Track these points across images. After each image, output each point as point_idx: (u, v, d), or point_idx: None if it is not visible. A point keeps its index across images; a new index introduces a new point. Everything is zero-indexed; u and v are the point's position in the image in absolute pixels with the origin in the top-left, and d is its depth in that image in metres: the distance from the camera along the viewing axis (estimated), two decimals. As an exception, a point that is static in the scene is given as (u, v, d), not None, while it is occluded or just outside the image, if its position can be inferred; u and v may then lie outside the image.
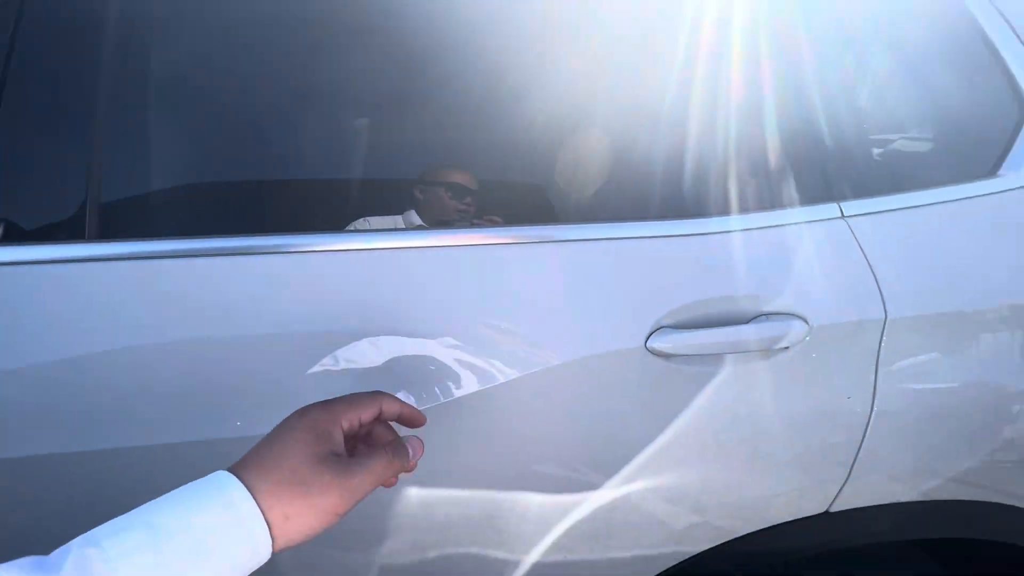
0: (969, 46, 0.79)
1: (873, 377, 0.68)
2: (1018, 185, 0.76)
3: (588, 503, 0.65)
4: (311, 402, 0.41)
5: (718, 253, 0.66)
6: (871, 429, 0.68)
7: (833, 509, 0.70)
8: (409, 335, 0.60)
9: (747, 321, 0.65)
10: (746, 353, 0.64)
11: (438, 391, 0.61)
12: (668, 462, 0.65)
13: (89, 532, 0.32)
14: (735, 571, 0.74)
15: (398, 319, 0.60)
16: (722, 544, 0.70)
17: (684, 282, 0.65)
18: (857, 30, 0.80)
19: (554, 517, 0.65)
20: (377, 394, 0.43)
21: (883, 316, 0.67)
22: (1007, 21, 0.78)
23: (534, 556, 0.67)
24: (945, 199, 0.74)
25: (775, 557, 0.73)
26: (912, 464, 0.70)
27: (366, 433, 0.43)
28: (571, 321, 0.64)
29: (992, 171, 0.78)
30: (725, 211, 0.69)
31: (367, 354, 0.59)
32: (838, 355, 0.67)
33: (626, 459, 0.65)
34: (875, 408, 0.68)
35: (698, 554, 0.70)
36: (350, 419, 0.40)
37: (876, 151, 0.77)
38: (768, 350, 0.64)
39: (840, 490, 0.69)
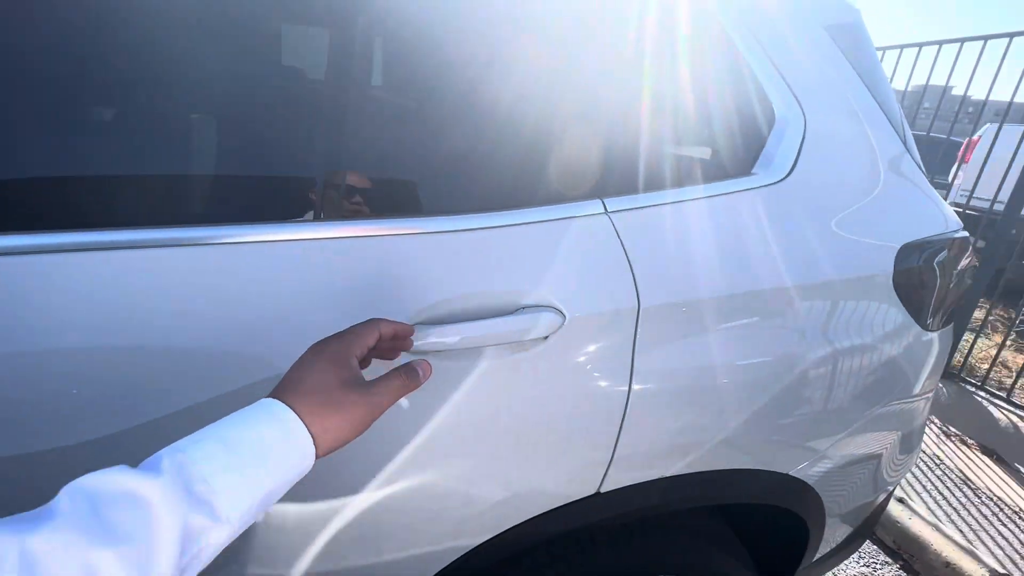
0: (733, 64, 0.87)
1: (630, 362, 0.72)
2: (766, 183, 0.86)
3: (353, 506, 0.64)
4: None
5: (479, 249, 0.68)
6: (630, 412, 0.72)
7: (604, 490, 0.75)
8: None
9: (505, 315, 0.67)
10: (505, 345, 0.66)
11: (177, 397, 0.57)
12: (434, 457, 0.66)
13: (172, 445, 0.39)
14: (522, 557, 0.76)
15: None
16: (501, 534, 0.71)
17: (443, 278, 0.66)
18: (632, 41, 0.86)
19: (316, 525, 0.64)
20: (372, 322, 0.51)
21: (636, 305, 0.72)
22: (760, 43, 0.87)
23: (301, 568, 0.65)
24: (702, 195, 0.81)
25: (556, 539, 0.76)
26: (671, 441, 0.76)
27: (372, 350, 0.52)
28: (325, 320, 0.62)
29: (747, 170, 0.87)
30: (489, 207, 0.70)
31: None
32: (596, 343, 0.71)
33: (389, 457, 0.64)
34: (632, 391, 0.72)
35: (477, 546, 0.71)
36: (360, 347, 0.49)
37: (646, 152, 0.83)
38: (525, 341, 0.67)
39: (607, 471, 0.74)
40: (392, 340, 0.54)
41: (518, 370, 0.67)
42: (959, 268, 1.03)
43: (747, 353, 0.79)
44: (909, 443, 1.14)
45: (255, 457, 0.39)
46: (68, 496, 0.34)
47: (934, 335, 1.05)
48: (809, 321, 0.87)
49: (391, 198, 0.72)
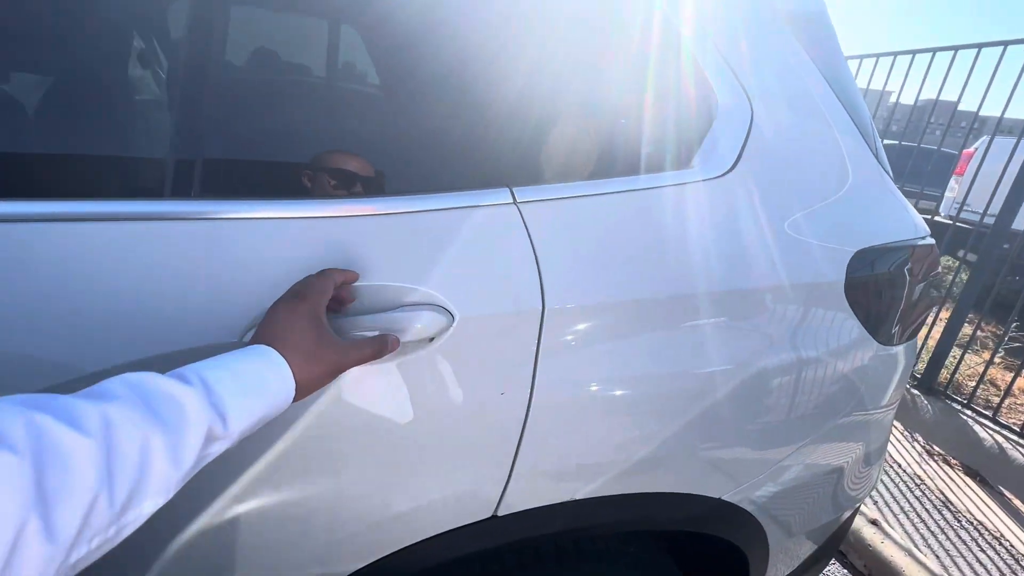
0: (673, 47, 0.79)
1: (532, 370, 0.64)
2: (706, 176, 0.78)
3: (193, 529, 0.56)
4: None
5: (361, 238, 0.60)
6: (530, 425, 0.64)
7: (501, 512, 0.67)
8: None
9: (383, 311, 0.59)
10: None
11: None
12: (292, 474, 0.58)
13: (189, 366, 0.45)
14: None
15: None
16: (377, 562, 0.63)
17: (316, 267, 0.58)
18: (558, 15, 0.78)
19: (152, 551, 0.55)
20: (325, 274, 0.55)
21: (541, 307, 0.64)
22: (704, 27, 0.79)
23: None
24: (628, 188, 0.73)
25: (447, 568, 0.68)
26: (580, 459, 0.68)
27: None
28: (170, 311, 0.54)
29: (685, 163, 0.79)
30: (378, 192, 0.62)
31: None
32: (493, 347, 0.63)
33: (242, 471, 0.56)
34: (534, 403, 0.64)
35: (351, 574, 0.63)
36: (326, 302, 0.53)
37: (565, 138, 0.75)
38: (406, 343, 0.58)
39: (504, 492, 0.65)
40: (340, 288, 0.57)
41: (398, 375, 0.59)
42: (922, 277, 0.95)
43: (672, 363, 0.71)
44: (869, 457, 1.06)
45: (256, 389, 0.46)
46: (121, 384, 0.40)
47: (896, 349, 0.97)
48: (750, 330, 0.79)
49: (273, 180, 0.64)
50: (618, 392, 0.68)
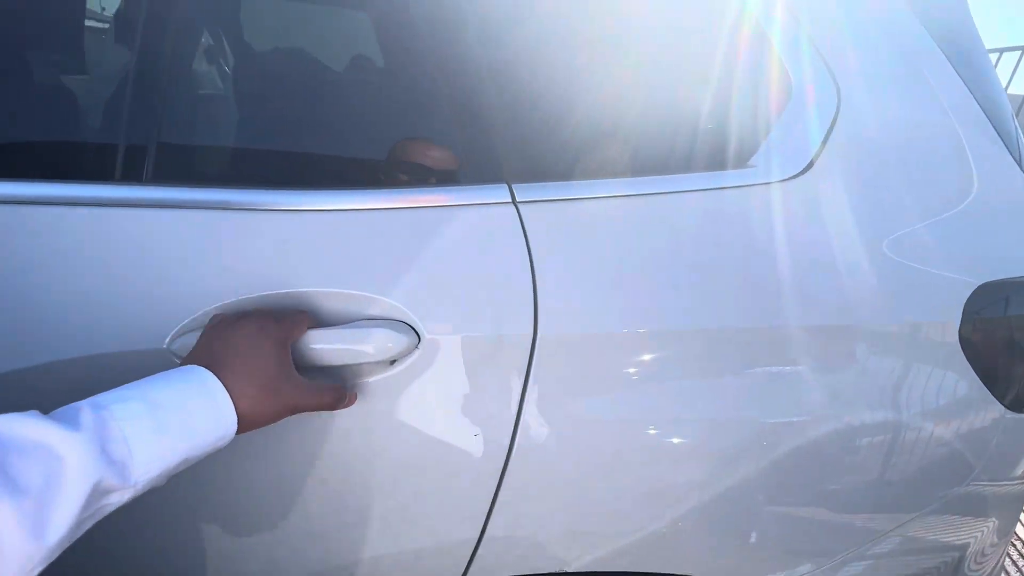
0: (734, 20, 0.63)
1: (515, 410, 0.52)
2: (768, 179, 0.61)
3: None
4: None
5: (335, 235, 0.50)
6: (510, 477, 0.52)
7: (470, 580, 0.55)
8: None
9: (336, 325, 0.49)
10: (335, 367, 0.48)
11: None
12: (227, 517, 0.50)
13: (92, 398, 0.37)
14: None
15: None
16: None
17: (278, 265, 0.49)
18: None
19: None
20: (304, 314, 0.48)
21: (532, 332, 0.52)
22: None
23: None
24: (660, 191, 0.58)
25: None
26: (573, 524, 0.54)
27: None
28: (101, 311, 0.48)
29: (741, 161, 0.63)
30: (353, 183, 0.53)
31: None
32: (466, 377, 0.51)
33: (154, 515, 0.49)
34: (515, 449, 0.52)
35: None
36: (296, 337, 0.47)
37: (582, 126, 0.61)
38: (361, 364, 0.48)
39: (472, 557, 0.53)
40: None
41: (357, 403, 0.49)
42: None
43: (714, 410, 0.55)
44: (991, 536, 0.82)
45: (179, 424, 0.38)
46: None
47: (1031, 416, 0.74)
48: (822, 376, 0.61)
49: (243, 167, 0.57)
50: (633, 443, 0.54)
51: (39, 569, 0.33)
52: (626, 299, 0.54)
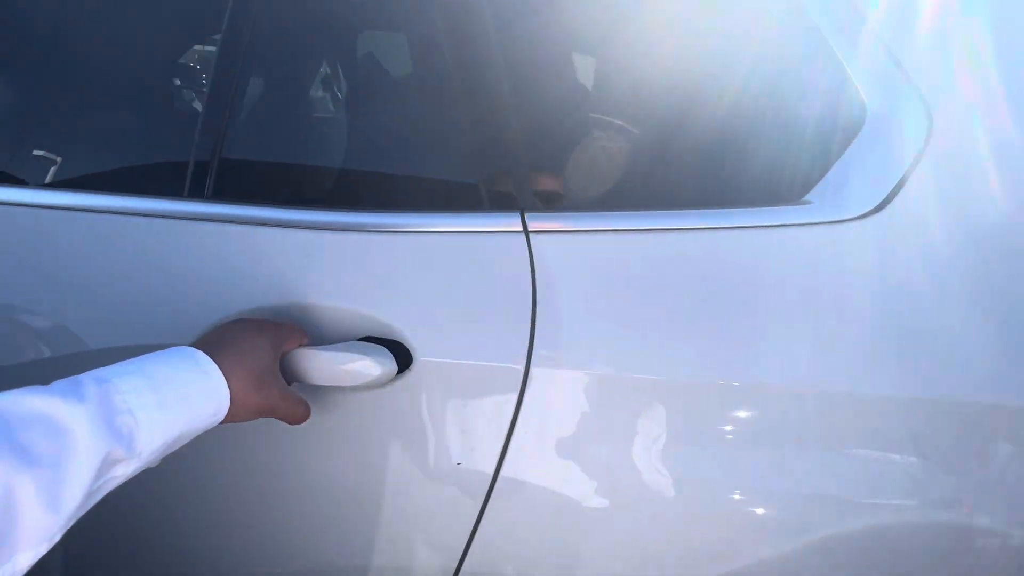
0: (792, 30, 0.55)
1: (502, 445, 0.51)
2: (826, 219, 0.53)
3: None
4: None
5: (336, 252, 0.54)
6: (491, 512, 0.51)
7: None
8: None
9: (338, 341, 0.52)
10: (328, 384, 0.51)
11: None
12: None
13: (94, 371, 0.38)
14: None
15: None
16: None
17: (290, 278, 0.54)
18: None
19: None
20: (299, 330, 0.50)
21: (524, 367, 0.50)
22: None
23: None
24: (678, 226, 0.53)
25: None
26: (550, 571, 0.51)
27: None
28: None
29: (795, 195, 0.55)
30: (364, 205, 0.56)
31: None
32: (458, 404, 0.51)
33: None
34: (497, 485, 0.50)
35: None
36: (290, 345, 0.49)
37: (608, 151, 0.58)
38: (346, 384, 0.50)
39: (451, 583, 0.53)
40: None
41: (337, 419, 0.52)
42: None
43: (713, 475, 0.49)
44: None
45: (177, 398, 0.39)
46: None
47: None
48: (891, 461, 0.51)
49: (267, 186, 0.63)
50: (626, 500, 0.50)
51: (55, 541, 0.34)
52: (633, 342, 0.50)
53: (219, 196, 0.58)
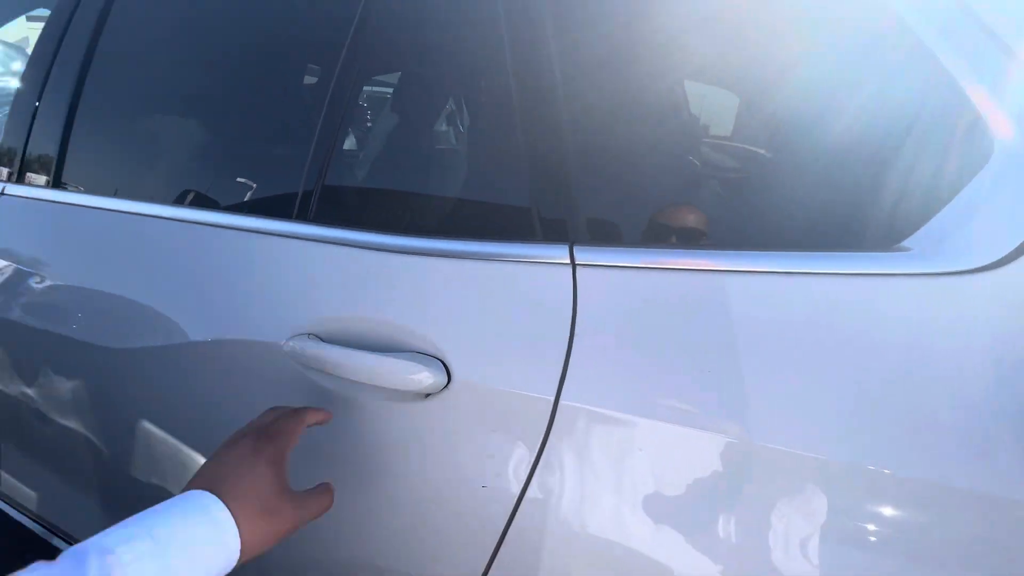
0: (903, 53, 0.48)
1: (526, 474, 0.50)
2: (930, 270, 0.44)
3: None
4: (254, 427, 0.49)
5: (386, 273, 0.58)
6: (511, 540, 0.50)
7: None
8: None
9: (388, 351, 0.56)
10: (380, 390, 0.55)
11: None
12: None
13: (99, 537, 0.38)
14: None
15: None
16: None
17: (338, 294, 0.60)
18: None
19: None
20: (298, 415, 0.50)
21: (554, 399, 0.49)
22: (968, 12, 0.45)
23: None
24: (744, 268, 0.47)
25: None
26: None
27: None
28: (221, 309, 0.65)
29: (890, 241, 0.47)
30: (419, 231, 0.59)
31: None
32: (489, 428, 0.52)
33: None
34: (519, 514, 0.50)
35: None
36: (292, 446, 0.49)
37: (673, 181, 0.54)
38: (395, 390, 0.54)
39: (470, 602, 0.53)
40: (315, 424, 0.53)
41: (385, 425, 0.56)
42: None
43: (749, 551, 0.43)
44: None
45: (184, 560, 0.38)
46: None
47: None
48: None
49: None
50: (648, 556, 0.46)
51: None
52: (668, 388, 0.47)
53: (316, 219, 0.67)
